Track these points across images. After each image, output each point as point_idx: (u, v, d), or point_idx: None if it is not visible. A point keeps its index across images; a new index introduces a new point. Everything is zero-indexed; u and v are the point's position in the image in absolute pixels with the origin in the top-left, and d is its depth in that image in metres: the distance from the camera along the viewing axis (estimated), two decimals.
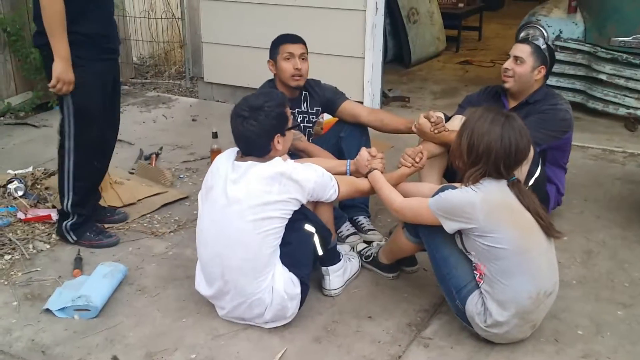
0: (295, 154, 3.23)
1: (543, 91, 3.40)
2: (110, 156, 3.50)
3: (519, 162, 2.45)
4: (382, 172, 2.88)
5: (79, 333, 2.66)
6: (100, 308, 2.77)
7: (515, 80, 3.34)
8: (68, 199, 3.23)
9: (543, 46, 3.35)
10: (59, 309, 2.75)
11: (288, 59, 3.32)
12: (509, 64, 3.35)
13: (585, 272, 3.09)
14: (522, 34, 5.34)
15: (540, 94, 3.38)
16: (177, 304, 2.85)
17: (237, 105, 2.63)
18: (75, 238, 3.29)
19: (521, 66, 3.32)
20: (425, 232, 2.61)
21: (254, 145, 2.59)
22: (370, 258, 3.07)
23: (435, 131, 3.22)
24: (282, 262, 2.62)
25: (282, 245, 2.61)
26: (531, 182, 3.14)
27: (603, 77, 5.14)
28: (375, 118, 3.59)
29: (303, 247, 2.67)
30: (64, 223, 3.28)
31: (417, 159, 2.99)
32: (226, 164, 2.62)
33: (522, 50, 3.33)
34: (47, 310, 2.76)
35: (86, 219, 3.30)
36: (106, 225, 3.48)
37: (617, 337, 2.61)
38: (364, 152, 2.95)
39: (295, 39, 3.40)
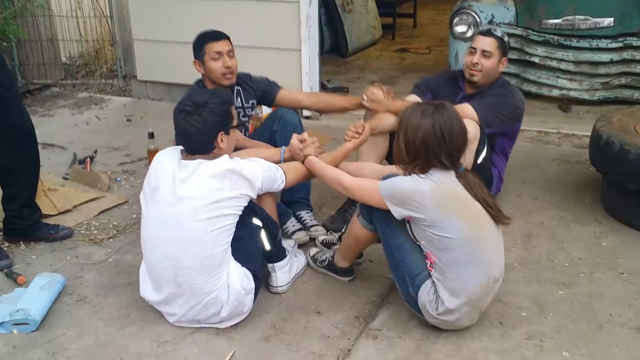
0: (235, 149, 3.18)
1: (501, 80, 3.47)
2: (16, 180, 3.23)
3: (459, 148, 2.44)
4: (317, 156, 2.87)
5: (19, 348, 2.56)
6: (39, 321, 2.67)
7: (483, 74, 3.37)
8: None
9: (505, 38, 3.39)
10: None
11: (216, 58, 3.24)
12: (477, 58, 3.35)
13: (526, 254, 3.15)
14: (455, 20, 5.40)
15: (498, 82, 3.45)
16: (119, 312, 2.78)
17: (180, 101, 2.60)
18: None
19: (489, 59, 3.34)
20: (380, 218, 2.59)
21: (197, 142, 2.55)
22: (326, 262, 3.01)
23: (389, 97, 3.26)
24: (235, 258, 2.60)
25: (234, 240, 2.59)
26: (479, 160, 3.20)
27: (536, 59, 5.23)
28: (317, 100, 3.64)
29: (253, 241, 2.66)
30: None
31: (360, 130, 3.03)
32: (171, 163, 2.56)
33: (490, 44, 3.35)
34: None
35: None
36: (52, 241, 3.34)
37: (559, 317, 2.67)
38: (293, 139, 2.94)
39: (218, 36, 3.30)
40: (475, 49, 3.38)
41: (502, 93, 3.37)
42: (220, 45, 3.25)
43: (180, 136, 2.58)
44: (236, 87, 3.42)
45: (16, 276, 3.00)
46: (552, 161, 4.23)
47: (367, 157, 3.31)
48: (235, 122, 2.65)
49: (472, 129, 3.02)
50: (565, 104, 5.23)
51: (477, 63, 3.36)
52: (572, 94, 5.20)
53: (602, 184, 3.59)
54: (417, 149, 2.42)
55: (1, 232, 3.37)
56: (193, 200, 2.48)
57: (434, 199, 2.38)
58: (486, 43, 3.36)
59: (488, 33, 3.41)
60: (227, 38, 3.31)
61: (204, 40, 3.28)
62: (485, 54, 3.34)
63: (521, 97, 3.46)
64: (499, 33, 3.41)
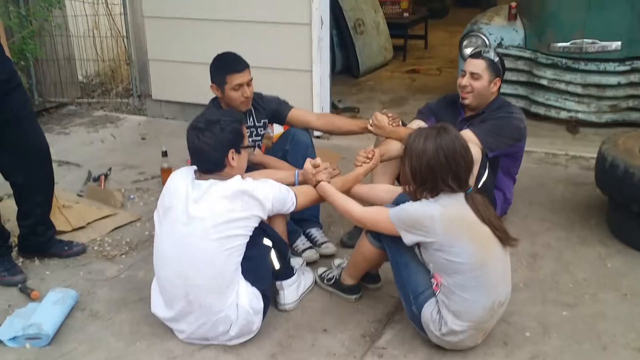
0: (251, 168, 3.24)
1: (499, 101, 3.50)
2: (30, 197, 3.29)
3: (465, 169, 2.47)
4: (329, 182, 2.93)
5: None
6: (52, 336, 2.73)
7: (474, 96, 3.41)
8: None
9: (496, 59, 3.42)
10: (10, 339, 2.70)
11: (237, 89, 3.29)
12: (466, 80, 3.39)
13: (531, 275, 3.18)
14: (464, 42, 5.47)
15: (496, 103, 3.47)
16: (130, 328, 2.83)
17: (194, 119, 2.67)
18: None
19: (478, 81, 3.37)
20: (388, 237, 2.63)
21: (208, 159, 2.62)
22: (332, 281, 3.05)
23: (393, 124, 3.30)
24: (245, 278, 2.65)
25: (244, 260, 2.63)
26: (480, 184, 3.23)
27: (544, 82, 5.28)
28: (326, 121, 3.72)
29: (263, 261, 2.71)
30: None
31: (370, 156, 3.08)
32: (185, 183, 2.63)
33: (477, 65, 3.38)
34: None
35: None
36: (65, 258, 3.41)
37: (563, 337, 2.70)
38: (307, 164, 2.99)
39: (241, 67, 3.31)
40: (464, 71, 3.43)
41: (500, 115, 3.39)
42: (242, 77, 3.29)
43: (192, 153, 2.64)
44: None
45: (30, 291, 3.07)
46: (559, 183, 4.26)
47: (381, 178, 3.37)
48: (246, 142, 2.72)
49: (474, 152, 3.06)
50: (573, 126, 5.26)
51: (466, 85, 3.40)
52: (580, 116, 5.23)
53: (608, 206, 3.62)
54: (424, 175, 2.46)
55: (16, 248, 3.44)
56: (205, 220, 2.53)
57: (443, 223, 2.41)
58: (474, 65, 3.39)
59: (477, 55, 3.45)
60: (248, 67, 3.33)
61: (226, 70, 3.28)
62: (474, 76, 3.37)
63: (521, 116, 3.48)
64: (490, 55, 3.44)
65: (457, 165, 2.44)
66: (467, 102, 3.43)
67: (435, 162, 2.42)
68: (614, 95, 5.15)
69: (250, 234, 2.62)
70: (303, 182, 3.02)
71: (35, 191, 3.30)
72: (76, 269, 3.32)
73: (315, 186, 2.94)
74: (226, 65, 3.32)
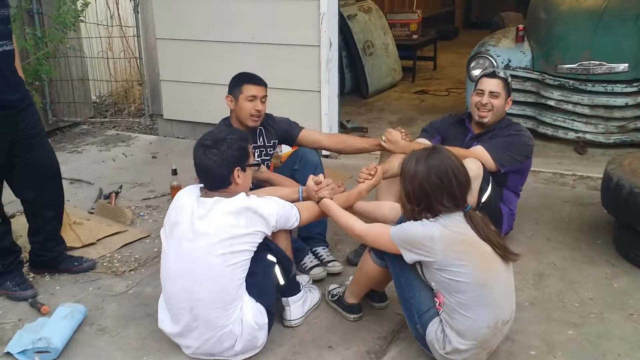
0: (258, 185, 3.29)
1: (507, 119, 3.59)
2: (40, 213, 3.35)
3: (459, 187, 2.48)
4: (331, 198, 2.96)
5: None
6: (61, 349, 2.76)
7: (493, 113, 3.49)
8: None
9: (509, 79, 3.52)
10: (19, 352, 2.73)
11: (250, 100, 3.38)
12: (486, 98, 3.47)
13: (537, 293, 3.19)
14: (472, 64, 5.53)
15: (504, 122, 3.56)
16: (138, 343, 2.86)
17: (201, 137, 2.73)
18: None
19: (497, 99, 3.47)
20: (391, 255, 2.64)
21: (214, 176, 2.66)
22: (336, 297, 3.08)
23: (407, 139, 3.39)
24: (249, 293, 2.68)
25: (248, 276, 2.66)
26: (484, 198, 3.26)
27: (552, 103, 5.32)
28: (336, 141, 3.78)
29: (267, 277, 2.74)
30: None
31: (372, 172, 3.12)
32: (191, 200, 2.68)
33: (496, 85, 3.48)
34: (8, 353, 2.74)
35: (8, 269, 3.27)
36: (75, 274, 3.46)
37: (568, 356, 2.70)
38: (309, 181, 3.04)
39: (259, 81, 3.43)
40: (482, 90, 3.49)
41: (510, 132, 3.47)
42: (257, 90, 3.39)
43: (198, 169, 2.69)
44: (259, 128, 3.56)
45: (40, 306, 3.11)
46: (566, 203, 4.27)
47: (385, 195, 3.40)
48: (252, 161, 2.77)
49: (475, 167, 3.11)
50: (581, 146, 5.28)
51: (487, 103, 3.47)
52: (588, 136, 5.27)
53: (614, 226, 3.63)
54: (418, 196, 2.49)
55: (27, 263, 3.50)
56: (209, 236, 2.58)
57: (444, 243, 2.43)
58: (493, 84, 3.48)
59: (493, 75, 3.54)
60: (265, 85, 3.45)
61: (244, 81, 3.42)
62: (493, 94, 3.46)
63: (529, 134, 3.55)
64: (502, 74, 3.54)
65: (450, 184, 2.46)
66: (486, 120, 3.50)
67: (427, 183, 2.46)
68: (622, 116, 5.18)
69: (255, 249, 2.65)
70: (307, 199, 3.06)
71: (45, 208, 3.36)
72: (86, 285, 3.36)
73: (318, 202, 2.98)
74: (245, 77, 3.46)
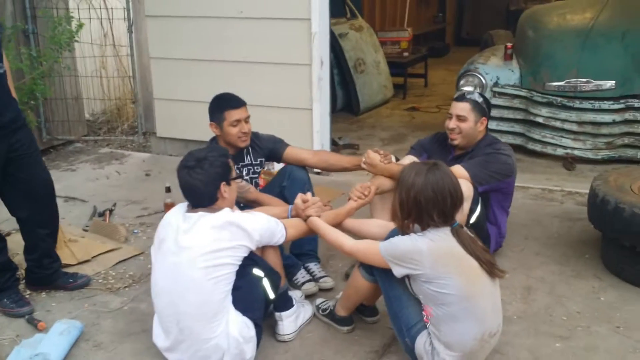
0: (247, 205, 3.34)
1: (488, 138, 3.62)
2: (35, 231, 3.39)
3: (451, 206, 2.55)
4: (319, 216, 3.01)
5: None
6: None
7: (462, 137, 3.54)
8: None
9: (480, 99, 3.56)
10: None
11: (235, 125, 3.43)
12: (453, 123, 3.52)
13: (525, 307, 3.25)
14: (461, 82, 5.62)
15: (485, 141, 3.59)
16: (133, 358, 2.90)
17: (182, 160, 2.78)
18: None
19: (465, 123, 3.51)
20: (381, 270, 2.69)
21: (201, 195, 2.72)
22: (327, 311, 3.13)
23: (385, 161, 3.42)
24: (235, 307, 2.71)
25: (234, 290, 2.70)
26: (472, 219, 3.32)
27: (540, 119, 5.40)
28: (319, 159, 3.81)
29: (253, 290, 2.76)
30: None
31: (366, 192, 3.16)
32: (177, 217, 2.73)
33: (463, 108, 3.51)
34: None
35: (4, 286, 3.31)
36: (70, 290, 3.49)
37: None
38: (297, 200, 3.09)
39: (238, 103, 3.47)
40: (451, 114, 3.56)
41: (489, 151, 3.51)
42: (239, 113, 3.44)
43: (185, 190, 2.74)
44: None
45: (37, 322, 3.14)
46: (555, 218, 4.34)
47: (379, 213, 3.45)
48: (234, 174, 2.82)
49: (465, 188, 3.16)
50: (570, 162, 5.35)
51: (454, 128, 3.53)
52: (577, 152, 5.34)
53: (601, 240, 3.69)
54: (410, 207, 2.55)
55: (24, 281, 3.53)
56: (192, 250, 2.62)
57: (432, 256, 2.48)
58: (459, 108, 3.53)
59: (460, 98, 3.59)
60: (245, 104, 3.49)
61: (224, 107, 3.45)
62: (460, 118, 3.51)
63: (509, 152, 3.57)
64: (475, 96, 3.58)
65: (443, 201, 2.52)
66: (455, 142, 3.56)
67: (422, 196, 2.51)
68: (609, 133, 5.26)
69: (239, 263, 2.69)
70: (296, 217, 3.10)
71: (40, 226, 3.40)
72: (81, 301, 3.40)
73: (305, 220, 3.03)
74: (224, 103, 3.48)
